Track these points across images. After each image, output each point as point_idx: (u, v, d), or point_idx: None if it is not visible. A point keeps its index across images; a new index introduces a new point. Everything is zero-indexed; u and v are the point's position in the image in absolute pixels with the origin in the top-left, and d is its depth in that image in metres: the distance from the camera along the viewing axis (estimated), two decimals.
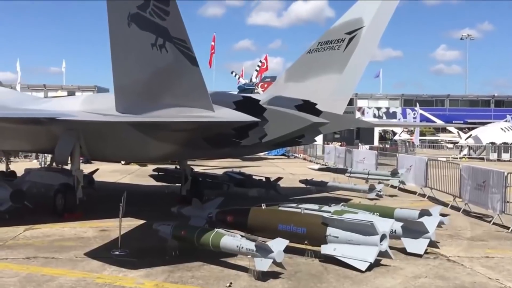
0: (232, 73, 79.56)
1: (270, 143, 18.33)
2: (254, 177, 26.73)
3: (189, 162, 24.07)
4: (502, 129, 68.07)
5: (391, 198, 26.20)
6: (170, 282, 11.90)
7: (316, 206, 15.31)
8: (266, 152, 52.83)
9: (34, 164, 41.23)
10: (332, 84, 19.87)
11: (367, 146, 66.20)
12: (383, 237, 13.05)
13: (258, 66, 74.03)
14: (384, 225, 13.40)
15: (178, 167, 25.59)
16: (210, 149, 17.89)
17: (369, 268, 12.81)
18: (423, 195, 26.57)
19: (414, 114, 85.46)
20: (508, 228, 18.46)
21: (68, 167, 21.19)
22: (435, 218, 15.48)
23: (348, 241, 13.13)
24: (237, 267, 12.81)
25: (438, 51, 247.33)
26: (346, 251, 13.07)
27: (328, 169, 34.12)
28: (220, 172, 29.03)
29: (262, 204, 15.43)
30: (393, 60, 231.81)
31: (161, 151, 18.49)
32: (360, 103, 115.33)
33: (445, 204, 22.93)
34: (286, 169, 42.56)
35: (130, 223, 17.55)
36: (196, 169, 28.46)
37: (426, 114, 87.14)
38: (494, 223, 19.28)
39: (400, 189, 29.14)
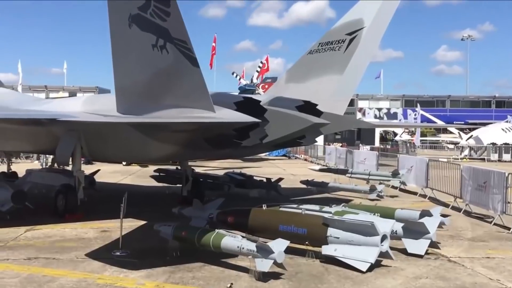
0: (233, 74, 79.65)
1: (270, 144, 18.34)
2: (255, 177, 26.74)
3: (190, 163, 24.11)
4: (503, 129, 68.00)
5: (392, 198, 26.19)
6: (171, 282, 11.91)
7: (317, 207, 15.33)
8: (267, 153, 52.89)
9: (35, 165, 41.31)
10: (332, 85, 19.88)
11: (368, 147, 66.16)
12: (383, 237, 13.05)
13: (259, 67, 74.11)
14: (384, 225, 13.40)
15: (179, 168, 25.63)
16: (211, 149, 17.91)
17: (370, 269, 12.80)
18: (424, 196, 26.55)
19: (415, 114, 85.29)
20: (509, 228, 18.44)
21: (69, 168, 21.22)
22: (436, 219, 15.48)
23: (349, 242, 13.14)
24: (238, 268, 12.82)
25: (439, 52, 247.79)
26: (347, 252, 13.07)
27: (329, 170, 34.13)
28: (221, 172, 29.05)
29: (263, 205, 15.45)
30: (394, 60, 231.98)
31: (162, 152, 18.51)
32: (361, 103, 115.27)
33: (446, 205, 22.92)
34: (287, 170, 42.56)
35: (131, 224, 17.56)
36: (197, 169, 28.49)
37: (427, 114, 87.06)
38: (495, 224, 19.26)
39: (401, 189, 29.12)
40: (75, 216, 19.19)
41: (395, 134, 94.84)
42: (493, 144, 63.70)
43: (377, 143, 79.60)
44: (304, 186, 27.80)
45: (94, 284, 11.70)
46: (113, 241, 15.28)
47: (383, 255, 13.24)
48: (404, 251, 14.53)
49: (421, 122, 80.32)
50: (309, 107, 18.43)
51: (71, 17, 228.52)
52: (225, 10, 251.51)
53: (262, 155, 52.32)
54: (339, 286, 11.82)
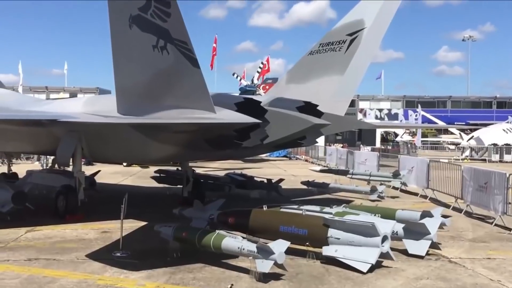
0: (233, 74, 79.74)
1: (271, 145, 18.32)
2: (255, 178, 26.74)
3: (190, 164, 24.10)
4: (504, 130, 67.96)
5: (393, 199, 26.17)
6: (171, 283, 11.90)
7: (317, 208, 15.34)
8: (268, 154, 52.88)
9: (36, 166, 41.34)
10: (333, 86, 19.87)
11: (369, 148, 66.09)
12: (384, 238, 13.04)
13: (260, 67, 74.18)
14: (385, 226, 13.38)
15: (179, 168, 25.63)
16: (211, 150, 17.90)
17: (371, 270, 12.79)
18: (425, 197, 26.52)
19: (416, 115, 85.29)
20: (510, 229, 18.43)
21: (70, 168, 21.22)
22: (437, 220, 15.46)
23: (350, 243, 13.13)
24: (238, 269, 12.82)
25: (440, 53, 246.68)
26: (347, 253, 13.06)
27: (329, 171, 34.12)
28: (221, 173, 29.05)
29: (264, 206, 15.45)
30: (395, 61, 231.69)
31: (162, 153, 18.51)
32: (362, 104, 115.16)
33: (447, 206, 22.90)
34: (287, 171, 42.55)
35: (132, 225, 17.55)
36: (198, 170, 28.49)
37: (428, 115, 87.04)
38: (496, 225, 19.24)
39: (401, 190, 29.10)
40: (75, 217, 19.20)
41: (396, 135, 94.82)
42: (494, 144, 63.65)
43: (378, 143, 79.52)
44: (304, 187, 27.79)
45: (95, 285, 11.70)
46: (114, 242, 15.28)
47: (384, 256, 13.22)
48: (405, 252, 14.52)
49: (422, 122, 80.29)
50: (309, 108, 18.42)
51: (71, 18, 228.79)
52: (226, 11, 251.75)
53: (263, 156, 52.30)
54: (340, 287, 11.82)
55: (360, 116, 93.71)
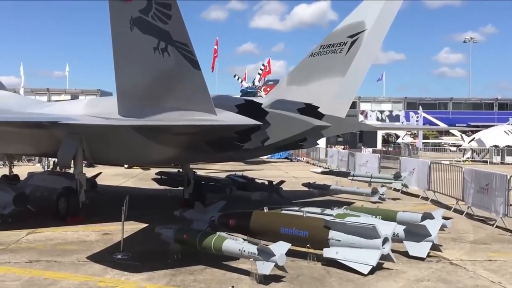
0: (234, 76, 79.84)
1: (272, 147, 18.31)
2: (256, 180, 26.72)
3: (191, 166, 24.11)
4: (505, 132, 67.90)
5: (394, 201, 26.16)
6: (172, 285, 11.91)
7: (318, 210, 15.34)
8: (269, 156, 52.82)
9: (37, 167, 41.38)
10: (334, 88, 19.87)
11: (370, 149, 66.08)
12: (385, 240, 13.04)
13: (261, 69, 74.22)
14: (386, 228, 13.39)
15: (180, 170, 25.64)
16: (212, 152, 17.89)
17: (371, 272, 12.79)
18: (426, 198, 26.50)
19: (417, 117, 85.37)
20: (511, 231, 18.41)
21: (71, 170, 21.23)
22: (438, 221, 15.43)
23: (350, 245, 13.12)
24: (239, 271, 12.82)
25: (441, 54, 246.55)
26: (348, 255, 13.06)
27: (331, 173, 34.06)
28: (222, 175, 29.05)
29: (264, 208, 15.45)
30: (396, 63, 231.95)
31: (163, 155, 18.50)
32: (363, 106, 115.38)
33: (448, 207, 22.90)
34: (289, 173, 42.54)
35: (133, 227, 17.57)
36: (199, 172, 28.49)
37: (429, 117, 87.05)
38: (497, 226, 19.22)
39: (403, 192, 29.07)
40: (76, 219, 19.22)
41: (397, 137, 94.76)
42: (496, 146, 63.59)
43: (379, 145, 79.47)
44: (306, 188, 27.79)
45: (96, 287, 11.73)
46: (115, 244, 15.29)
47: (385, 257, 13.23)
48: (405, 254, 14.51)
49: (423, 124, 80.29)
50: (310, 110, 18.40)
51: (73, 20, 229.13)
52: (227, 13, 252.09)
53: (264, 157, 52.30)
54: None
55: (361, 117, 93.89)
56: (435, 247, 14.87)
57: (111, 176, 34.63)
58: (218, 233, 13.23)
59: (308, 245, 13.71)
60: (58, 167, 25.24)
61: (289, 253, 12.26)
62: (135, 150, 18.29)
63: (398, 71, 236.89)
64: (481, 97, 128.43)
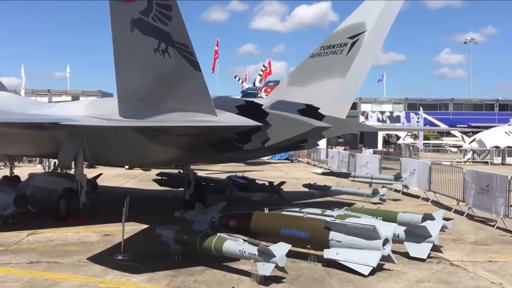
0: (235, 77, 79.67)
1: (272, 148, 18.33)
2: (257, 181, 26.72)
3: (192, 167, 24.12)
4: (506, 133, 67.84)
5: (395, 202, 26.16)
6: (172, 286, 11.91)
7: (319, 211, 15.32)
8: (270, 157, 52.83)
9: (38, 168, 41.38)
10: (334, 89, 19.89)
11: (371, 150, 66.07)
12: (385, 241, 13.03)
13: (262, 70, 74.13)
14: (386, 229, 13.38)
15: (181, 171, 25.66)
16: (213, 153, 17.91)
17: (372, 273, 12.79)
18: (427, 199, 26.48)
19: (418, 118, 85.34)
20: (511, 232, 18.40)
21: (72, 171, 21.25)
22: (438, 222, 15.41)
23: (351, 246, 13.12)
24: (239, 272, 12.82)
25: (442, 55, 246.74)
26: (348, 256, 13.05)
27: (331, 173, 34.06)
28: (223, 176, 29.05)
29: (265, 209, 15.45)
30: (397, 64, 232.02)
31: (164, 156, 18.52)
32: (364, 107, 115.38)
33: (448, 208, 22.88)
34: (289, 174, 42.53)
35: (133, 228, 17.57)
36: (200, 173, 28.50)
37: (430, 118, 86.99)
38: (497, 227, 19.20)
39: (403, 193, 29.06)
40: (77, 220, 19.22)
41: (398, 138, 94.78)
42: (496, 147, 63.56)
43: (380, 146, 79.51)
44: (306, 189, 27.80)
45: None
46: (115, 245, 15.29)
47: (385, 258, 13.22)
48: (406, 255, 14.50)
49: (424, 125, 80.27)
50: (311, 111, 18.42)
51: (74, 21, 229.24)
52: (228, 14, 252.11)
53: (265, 158, 52.31)
54: None
55: (362, 118, 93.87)
56: (435, 248, 14.85)
57: (111, 177, 34.65)
58: (218, 234, 13.24)
59: (308, 246, 13.71)
60: (59, 168, 25.23)
61: (290, 254, 12.26)
62: (136, 151, 18.31)
63: (399, 72, 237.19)
64: (482, 98, 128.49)
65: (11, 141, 21.91)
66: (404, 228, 14.64)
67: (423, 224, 14.99)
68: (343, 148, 66.14)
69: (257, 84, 71.18)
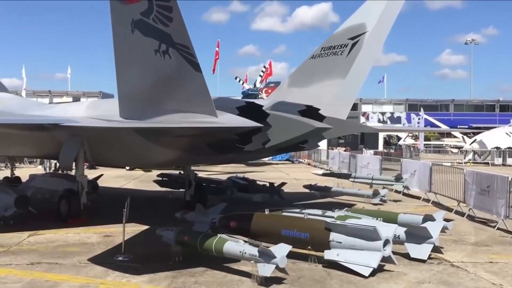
0: (236, 78, 79.70)
1: (273, 149, 18.32)
2: (258, 182, 26.72)
3: (193, 168, 24.13)
4: (507, 133, 67.84)
5: (395, 203, 26.14)
6: (173, 287, 11.91)
7: (319, 211, 15.32)
8: (271, 157, 52.89)
9: (38, 170, 41.40)
10: (335, 89, 19.89)
11: (372, 151, 66.14)
12: (386, 242, 13.03)
13: (262, 71, 74.14)
14: (387, 230, 13.38)
15: (182, 172, 25.67)
16: (213, 154, 17.91)
17: (373, 274, 12.78)
18: (427, 200, 26.49)
19: (419, 119, 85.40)
20: None
21: (73, 172, 21.26)
22: (439, 223, 15.41)
23: (351, 247, 13.12)
24: (240, 273, 12.82)
25: (442, 56, 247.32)
26: (349, 257, 13.05)
27: (332, 174, 34.07)
28: (224, 177, 29.05)
29: (266, 210, 15.45)
30: (398, 65, 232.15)
31: (164, 157, 18.53)
32: (365, 108, 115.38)
33: (449, 209, 22.86)
34: (290, 174, 42.54)
35: (134, 229, 17.57)
36: (200, 174, 28.51)
37: (431, 119, 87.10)
38: (498, 228, 19.19)
39: (404, 194, 29.07)
40: (78, 221, 19.22)
41: (399, 138, 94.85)
42: (497, 148, 63.56)
43: (380, 147, 79.60)
44: (307, 190, 27.79)
45: None
46: (116, 246, 15.27)
47: (386, 259, 13.21)
48: (406, 256, 14.49)
49: (425, 126, 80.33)
50: (311, 112, 18.43)
51: (75, 22, 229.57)
52: (229, 15, 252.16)
53: (266, 159, 52.33)
54: None
55: (362, 119, 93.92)
56: (436, 249, 14.84)
57: (112, 178, 34.67)
58: (219, 235, 13.24)
59: (309, 247, 13.71)
60: (59, 169, 25.23)
61: (290, 255, 12.25)
62: (137, 152, 18.32)
63: (400, 73, 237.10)
64: (482, 98, 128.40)
65: (12, 142, 21.91)
66: (404, 229, 14.63)
67: (423, 225, 14.98)
68: (344, 149, 66.21)
69: (258, 85, 71.23)
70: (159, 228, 14.80)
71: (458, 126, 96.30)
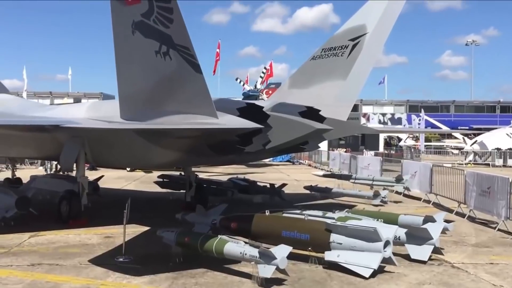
0: (236, 79, 79.75)
1: (273, 150, 18.34)
2: (258, 183, 26.74)
3: (193, 169, 24.14)
4: (507, 134, 67.73)
5: (396, 204, 26.14)
6: None
7: (320, 213, 15.32)
8: (271, 159, 52.87)
9: (39, 171, 41.43)
10: (335, 91, 19.90)
11: (372, 152, 66.12)
12: (386, 243, 13.03)
13: (263, 72, 74.16)
14: (387, 231, 13.37)
15: (182, 173, 25.68)
16: (214, 155, 17.94)
17: (373, 275, 12.78)
18: (428, 201, 26.49)
19: (419, 120, 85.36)
20: None
21: (74, 174, 21.27)
22: (440, 225, 15.42)
23: (352, 248, 13.12)
24: (240, 274, 12.83)
25: (443, 57, 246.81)
26: (349, 258, 13.06)
27: (332, 175, 34.09)
28: (224, 178, 29.07)
29: (266, 211, 15.46)
30: (398, 66, 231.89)
31: (165, 158, 18.55)
32: (365, 109, 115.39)
33: (449, 210, 22.84)
34: (291, 176, 42.55)
35: (135, 230, 17.58)
36: (201, 175, 28.53)
37: (431, 120, 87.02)
38: (499, 230, 19.19)
39: (404, 195, 29.07)
40: (78, 222, 19.23)
41: (399, 140, 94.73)
42: (498, 149, 63.50)
43: (381, 148, 79.57)
44: (307, 191, 27.78)
45: None
46: (116, 247, 15.29)
47: (386, 261, 13.21)
48: (407, 257, 14.49)
49: (425, 127, 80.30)
50: (312, 113, 18.45)
51: (75, 23, 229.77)
52: (229, 16, 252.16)
53: (266, 160, 52.32)
54: None
55: (363, 120, 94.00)
56: (436, 250, 14.84)
57: (113, 179, 34.69)
58: (219, 236, 13.25)
59: (309, 248, 13.72)
60: (60, 170, 25.25)
61: (291, 256, 12.25)
62: (137, 153, 18.34)
63: (400, 74, 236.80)
64: (483, 99, 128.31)
65: (13, 143, 21.94)
66: (405, 230, 14.63)
67: (424, 226, 15.00)
68: (345, 150, 66.19)
69: (259, 86, 71.22)
70: (159, 229, 14.80)
71: (459, 127, 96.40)
